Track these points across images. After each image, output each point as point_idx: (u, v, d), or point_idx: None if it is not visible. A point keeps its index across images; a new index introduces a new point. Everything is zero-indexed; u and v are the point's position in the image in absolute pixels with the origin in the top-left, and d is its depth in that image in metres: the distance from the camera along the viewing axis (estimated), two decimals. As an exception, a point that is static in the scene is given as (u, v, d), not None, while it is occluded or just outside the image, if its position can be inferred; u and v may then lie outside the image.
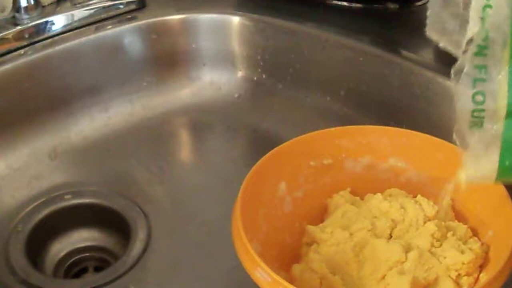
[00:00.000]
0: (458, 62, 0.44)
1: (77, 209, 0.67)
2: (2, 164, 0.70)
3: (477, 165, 0.45)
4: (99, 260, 0.66)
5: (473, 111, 0.44)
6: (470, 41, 0.44)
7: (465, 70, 0.43)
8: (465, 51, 0.44)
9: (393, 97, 0.70)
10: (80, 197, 0.68)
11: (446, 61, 0.68)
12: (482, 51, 0.43)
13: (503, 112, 0.43)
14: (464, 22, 0.47)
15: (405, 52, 0.71)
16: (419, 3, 0.80)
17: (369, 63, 0.71)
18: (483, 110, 0.44)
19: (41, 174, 0.70)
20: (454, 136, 0.46)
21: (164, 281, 0.60)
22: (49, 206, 0.67)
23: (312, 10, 0.79)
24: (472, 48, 0.43)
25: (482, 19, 0.43)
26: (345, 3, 0.80)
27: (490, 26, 0.43)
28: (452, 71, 0.45)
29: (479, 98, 0.43)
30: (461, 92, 0.44)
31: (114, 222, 0.66)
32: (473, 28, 0.43)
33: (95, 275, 0.64)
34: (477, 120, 0.44)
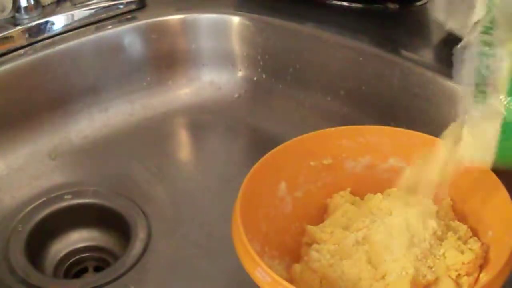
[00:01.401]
0: (463, 40, 0.45)
1: (77, 209, 0.67)
2: (2, 164, 0.70)
3: (477, 139, 0.45)
4: (99, 260, 0.66)
5: (478, 84, 0.44)
6: (477, 23, 0.44)
7: (472, 46, 0.44)
8: (471, 31, 0.45)
9: (393, 97, 0.70)
10: (80, 197, 0.68)
11: (446, 61, 0.68)
12: (488, 31, 0.44)
13: (505, 88, 0.44)
14: (471, 5, 0.47)
15: (405, 52, 0.71)
16: (419, 3, 0.80)
17: (369, 63, 0.71)
18: (487, 84, 0.44)
19: (41, 174, 0.70)
20: (459, 110, 0.46)
21: (164, 281, 0.60)
22: (49, 206, 0.67)
23: (312, 10, 0.79)
24: (479, 28, 0.44)
25: (489, 1, 0.44)
26: (345, 3, 0.80)
27: (497, 11, 0.43)
28: (455, 48, 0.46)
29: (484, 72, 0.44)
30: (467, 66, 0.44)
31: (114, 222, 0.66)
32: (479, 12, 0.45)
33: (95, 275, 0.64)
34: (481, 94, 0.44)
